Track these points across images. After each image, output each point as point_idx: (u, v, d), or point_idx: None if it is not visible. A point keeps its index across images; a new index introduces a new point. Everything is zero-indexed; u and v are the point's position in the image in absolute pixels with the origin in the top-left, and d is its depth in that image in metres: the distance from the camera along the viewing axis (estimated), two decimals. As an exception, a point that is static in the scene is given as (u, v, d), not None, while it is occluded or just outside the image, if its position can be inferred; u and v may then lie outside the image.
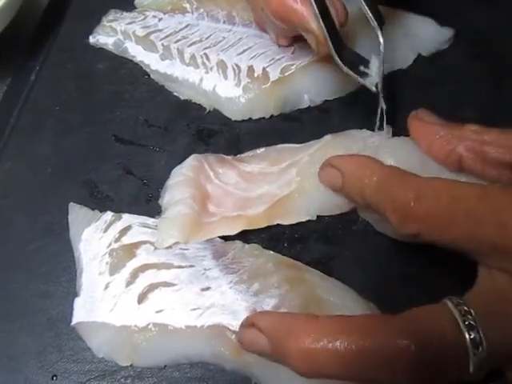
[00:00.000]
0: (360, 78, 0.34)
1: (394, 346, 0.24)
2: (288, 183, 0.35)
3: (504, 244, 0.26)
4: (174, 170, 0.37)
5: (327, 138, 0.36)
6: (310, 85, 0.38)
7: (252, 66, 0.38)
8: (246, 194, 0.36)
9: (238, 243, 0.34)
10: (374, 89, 0.34)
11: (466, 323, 0.25)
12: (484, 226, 0.26)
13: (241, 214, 0.35)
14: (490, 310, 0.26)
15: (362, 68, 0.34)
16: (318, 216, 0.35)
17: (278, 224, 0.35)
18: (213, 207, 0.35)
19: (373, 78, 0.34)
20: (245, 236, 0.35)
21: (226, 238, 0.35)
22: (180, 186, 0.36)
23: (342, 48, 0.34)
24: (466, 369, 0.25)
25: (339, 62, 0.34)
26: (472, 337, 0.25)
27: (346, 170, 0.31)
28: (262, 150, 0.37)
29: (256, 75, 0.38)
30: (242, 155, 0.37)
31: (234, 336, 0.31)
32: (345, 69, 0.34)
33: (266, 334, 0.27)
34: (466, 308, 0.26)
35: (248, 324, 0.28)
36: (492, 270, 0.27)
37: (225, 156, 0.37)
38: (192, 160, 0.37)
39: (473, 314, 0.25)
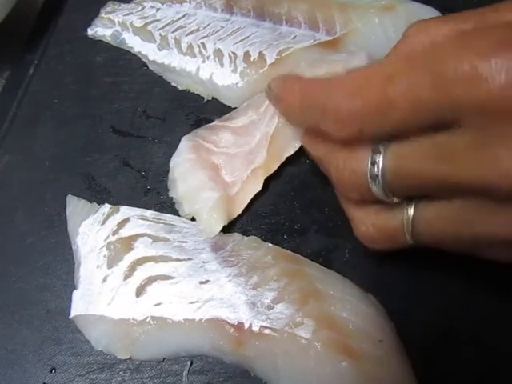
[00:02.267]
0: None
1: None
2: (271, 118, 0.35)
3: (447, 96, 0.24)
4: (172, 159, 0.37)
5: (302, 65, 0.36)
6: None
7: (248, 51, 0.38)
8: (247, 147, 0.36)
9: (237, 235, 0.34)
10: None
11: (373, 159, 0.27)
12: (423, 88, 0.24)
13: (253, 168, 0.35)
14: None
15: None
16: (317, 208, 0.35)
17: (277, 215, 0.35)
18: (228, 176, 0.35)
19: None
20: (244, 228, 0.35)
21: (224, 231, 0.34)
22: (190, 172, 0.36)
23: None
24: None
25: None
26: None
27: (276, 94, 0.32)
28: (244, 104, 0.37)
29: (252, 59, 0.38)
30: (227, 114, 0.38)
31: (232, 329, 0.30)
32: None
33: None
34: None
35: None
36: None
37: (212, 123, 0.38)
38: (186, 142, 0.37)
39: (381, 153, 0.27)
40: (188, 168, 0.36)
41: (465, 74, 0.23)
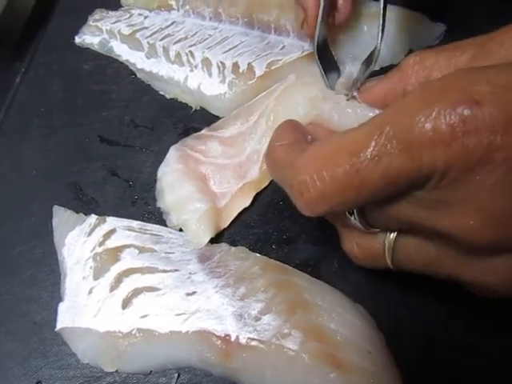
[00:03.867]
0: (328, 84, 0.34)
1: None
2: (263, 135, 0.35)
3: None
4: (160, 169, 0.37)
5: (291, 77, 0.36)
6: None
7: (237, 62, 0.38)
8: (236, 159, 0.36)
9: (225, 246, 0.34)
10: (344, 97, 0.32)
11: None
12: (393, 158, 0.23)
13: (245, 183, 0.35)
14: None
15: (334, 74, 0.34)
16: (306, 217, 0.35)
17: (265, 225, 0.35)
18: (216, 187, 0.35)
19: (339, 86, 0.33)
20: (232, 238, 0.35)
21: (212, 241, 0.34)
22: (178, 182, 0.35)
23: (325, 46, 0.33)
24: None
25: (316, 54, 0.33)
26: None
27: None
28: (232, 113, 0.37)
29: (241, 71, 0.38)
30: (215, 123, 0.37)
31: (219, 341, 0.30)
32: (318, 63, 0.34)
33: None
34: None
35: None
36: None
37: (200, 132, 0.37)
38: (174, 152, 0.37)
39: None
40: (176, 178, 0.36)
41: (429, 138, 0.22)
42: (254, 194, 0.35)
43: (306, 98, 0.34)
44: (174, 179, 0.36)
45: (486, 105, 0.21)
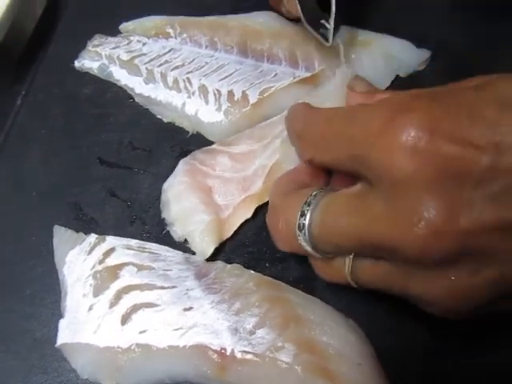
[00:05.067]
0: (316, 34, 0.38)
1: None
2: (273, 152, 0.37)
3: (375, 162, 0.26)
4: (167, 181, 0.38)
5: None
6: (290, 105, 0.38)
7: (232, 90, 0.39)
8: (243, 173, 0.37)
9: (220, 263, 0.35)
10: (327, 44, 0.38)
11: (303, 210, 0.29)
12: (355, 146, 0.27)
13: (247, 196, 0.37)
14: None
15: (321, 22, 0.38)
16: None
17: (259, 244, 0.36)
18: (221, 199, 0.37)
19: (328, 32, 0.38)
20: (227, 256, 0.36)
21: (208, 259, 0.35)
22: (184, 194, 0.37)
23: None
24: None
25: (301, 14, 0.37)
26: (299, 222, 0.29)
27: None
28: (246, 131, 0.39)
29: (236, 99, 0.39)
30: (228, 139, 0.39)
31: (215, 355, 0.31)
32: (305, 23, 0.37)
33: None
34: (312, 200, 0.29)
35: None
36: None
37: (211, 146, 0.39)
38: (182, 166, 0.38)
39: (311, 206, 0.28)
40: (181, 190, 0.37)
41: (373, 135, 0.26)
42: (255, 206, 0.37)
43: None
44: (179, 191, 0.37)
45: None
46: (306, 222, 0.28)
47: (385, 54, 0.42)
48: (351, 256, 0.28)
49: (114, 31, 0.47)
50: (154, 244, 0.36)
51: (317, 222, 0.28)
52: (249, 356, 0.31)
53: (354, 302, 0.34)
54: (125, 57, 0.43)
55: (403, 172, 0.24)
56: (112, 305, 0.34)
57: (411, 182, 0.24)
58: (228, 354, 0.31)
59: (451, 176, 0.23)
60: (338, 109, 0.32)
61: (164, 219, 0.37)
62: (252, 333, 0.32)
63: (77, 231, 0.37)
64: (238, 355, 0.31)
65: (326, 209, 0.28)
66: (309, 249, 0.29)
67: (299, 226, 0.29)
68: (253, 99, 0.39)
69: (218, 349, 0.31)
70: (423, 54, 0.42)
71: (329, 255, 0.30)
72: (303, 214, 0.28)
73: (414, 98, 0.26)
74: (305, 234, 0.28)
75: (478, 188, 0.23)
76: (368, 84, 0.35)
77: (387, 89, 0.42)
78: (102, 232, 0.37)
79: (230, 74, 0.40)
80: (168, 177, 0.38)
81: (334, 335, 0.31)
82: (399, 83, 0.42)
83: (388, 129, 0.25)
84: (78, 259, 0.36)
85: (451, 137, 0.23)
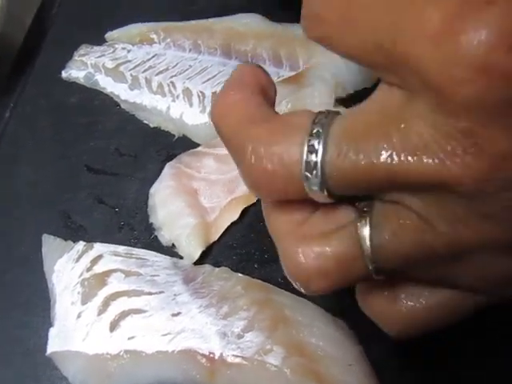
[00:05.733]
0: None
1: None
2: None
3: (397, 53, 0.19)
4: (154, 186, 0.38)
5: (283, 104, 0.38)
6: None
7: (216, 91, 0.39)
8: (228, 175, 0.37)
9: (208, 267, 0.35)
10: None
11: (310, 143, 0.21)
12: (378, 31, 0.19)
13: (233, 198, 0.37)
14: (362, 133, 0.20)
15: None
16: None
17: (247, 245, 0.36)
18: (207, 202, 0.37)
19: None
20: (215, 259, 0.36)
21: (196, 263, 0.35)
22: (170, 198, 0.37)
23: None
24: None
25: None
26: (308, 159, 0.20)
27: None
28: None
29: (220, 100, 0.39)
30: (213, 141, 0.39)
31: (204, 359, 0.31)
32: None
33: None
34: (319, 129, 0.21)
35: None
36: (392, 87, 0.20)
37: (196, 149, 0.39)
38: (168, 169, 0.38)
39: (322, 134, 0.20)
40: (168, 194, 0.37)
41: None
42: (242, 208, 0.37)
43: None
44: (165, 195, 0.37)
45: None
46: (319, 159, 0.20)
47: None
48: (367, 226, 0.21)
49: (100, 41, 0.47)
50: (141, 250, 0.36)
51: (333, 156, 0.20)
52: (237, 360, 0.31)
53: (343, 302, 0.33)
54: (110, 64, 0.43)
55: (464, 90, 0.17)
56: (100, 312, 0.33)
57: (470, 105, 0.17)
58: (217, 358, 0.31)
59: None
60: None
61: (152, 224, 0.37)
62: (240, 336, 0.31)
63: (66, 239, 0.37)
64: (227, 359, 0.31)
65: (344, 135, 0.20)
66: (317, 193, 0.21)
67: (308, 166, 0.20)
68: (237, 100, 0.39)
69: (207, 353, 0.31)
70: None
71: (332, 200, 0.22)
72: (312, 150, 0.20)
73: None
74: (316, 174, 0.20)
75: None
76: None
77: (374, 86, 0.41)
78: (91, 239, 0.37)
79: (214, 76, 0.40)
80: (155, 181, 0.38)
81: (323, 336, 0.31)
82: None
83: (451, 28, 0.17)
84: (66, 267, 0.36)
85: None
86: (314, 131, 0.21)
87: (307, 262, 0.22)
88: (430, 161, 0.18)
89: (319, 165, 0.20)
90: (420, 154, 0.18)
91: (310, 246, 0.22)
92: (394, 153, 0.19)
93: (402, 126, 0.19)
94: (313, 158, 0.20)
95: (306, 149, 0.21)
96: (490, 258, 0.20)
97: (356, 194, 0.22)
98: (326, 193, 0.21)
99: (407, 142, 0.19)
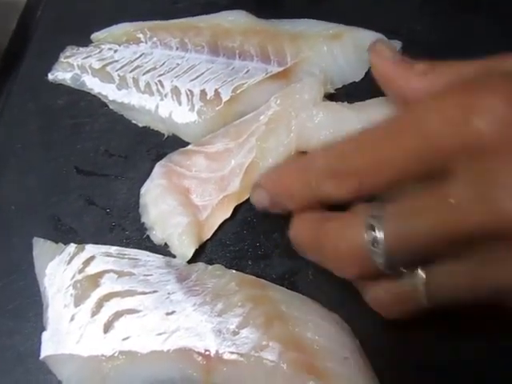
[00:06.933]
0: None
1: None
2: (250, 150, 0.37)
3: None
4: (145, 185, 0.38)
5: (273, 101, 0.38)
6: (263, 100, 0.38)
7: (204, 89, 0.39)
8: (219, 173, 0.37)
9: (201, 265, 0.35)
10: None
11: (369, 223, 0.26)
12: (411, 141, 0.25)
13: (225, 195, 0.36)
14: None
15: None
16: (280, 232, 0.36)
17: (240, 242, 0.36)
18: (198, 200, 0.37)
19: None
20: (209, 257, 0.36)
21: (189, 261, 0.35)
22: (161, 197, 0.37)
23: None
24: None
25: None
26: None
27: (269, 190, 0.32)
28: (221, 130, 0.39)
29: (209, 98, 0.39)
30: (203, 139, 0.39)
31: (200, 357, 0.31)
32: None
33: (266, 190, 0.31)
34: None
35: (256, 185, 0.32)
36: None
37: (186, 147, 0.39)
38: (159, 169, 0.38)
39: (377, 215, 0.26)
40: (158, 193, 0.37)
41: (448, 120, 0.24)
42: (233, 205, 0.37)
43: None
44: (156, 195, 0.37)
45: None
46: (379, 235, 0.25)
47: (356, 46, 0.42)
48: (423, 273, 0.26)
49: (86, 42, 0.46)
50: (133, 249, 0.36)
51: (390, 231, 0.25)
52: (234, 356, 0.30)
53: (339, 296, 0.34)
54: (97, 65, 0.43)
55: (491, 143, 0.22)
56: (93, 313, 0.33)
57: (499, 153, 0.22)
58: (213, 355, 0.31)
59: None
60: (390, 124, 0.27)
61: (144, 224, 0.37)
62: (236, 333, 0.31)
63: (56, 242, 0.37)
64: (223, 356, 0.31)
65: (398, 214, 0.25)
66: (382, 265, 0.26)
67: (372, 241, 0.25)
68: (225, 97, 0.39)
69: (203, 351, 0.31)
70: (394, 46, 0.42)
71: (401, 269, 0.27)
72: (372, 228, 0.25)
73: (483, 78, 0.24)
74: (379, 248, 0.25)
75: None
76: (394, 49, 0.32)
77: (361, 80, 0.42)
78: (82, 241, 0.37)
79: (202, 74, 0.40)
80: (145, 181, 0.38)
81: (319, 331, 0.31)
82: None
83: (467, 111, 0.23)
84: (58, 270, 0.35)
85: None
86: (371, 211, 0.26)
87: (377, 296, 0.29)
88: (478, 217, 0.23)
89: (379, 239, 0.25)
90: (473, 211, 0.23)
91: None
92: (446, 217, 0.24)
93: (447, 198, 0.24)
94: (372, 234, 0.26)
95: (366, 227, 0.26)
96: None
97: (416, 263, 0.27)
98: (387, 265, 0.26)
99: (459, 209, 0.23)
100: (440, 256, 0.25)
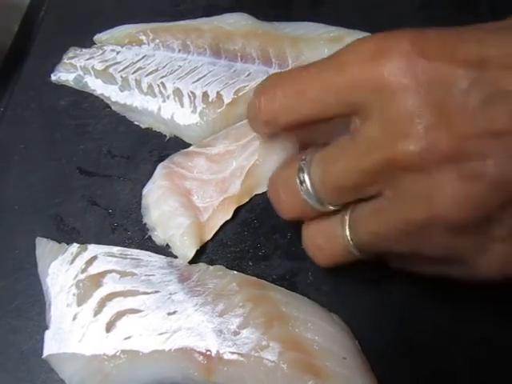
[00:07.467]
0: None
1: None
2: (251, 153, 0.37)
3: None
4: (147, 186, 0.38)
5: None
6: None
7: (206, 91, 0.40)
8: (220, 175, 0.37)
9: (203, 265, 0.35)
10: None
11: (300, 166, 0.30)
12: (349, 84, 0.27)
13: (226, 197, 0.37)
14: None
15: None
16: (280, 233, 0.36)
17: (241, 243, 0.37)
18: (199, 202, 0.37)
19: None
20: (210, 257, 0.36)
21: (191, 261, 0.35)
22: (163, 198, 0.37)
23: None
24: None
25: None
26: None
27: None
28: (222, 132, 0.39)
29: (210, 100, 0.40)
30: (205, 141, 0.39)
31: (201, 357, 0.31)
32: None
33: None
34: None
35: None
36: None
37: (188, 149, 0.39)
38: (160, 170, 0.38)
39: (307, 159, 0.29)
40: (160, 194, 0.37)
41: (360, 58, 0.26)
42: (234, 207, 0.37)
43: None
44: (158, 196, 0.37)
45: None
46: (305, 175, 0.29)
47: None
48: (348, 211, 0.29)
49: (89, 43, 0.47)
50: (135, 250, 0.36)
51: (316, 171, 0.29)
52: (234, 356, 0.31)
53: (338, 297, 0.34)
54: (99, 66, 0.43)
55: (396, 89, 0.25)
56: (96, 313, 0.33)
57: (403, 96, 0.25)
58: (213, 355, 0.31)
59: (439, 86, 0.24)
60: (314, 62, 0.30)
61: (145, 225, 0.37)
62: (236, 333, 0.32)
63: (59, 242, 0.37)
64: (224, 356, 0.31)
65: (321, 158, 0.29)
66: (312, 202, 0.29)
67: (300, 181, 0.29)
68: (227, 99, 0.39)
69: (204, 351, 0.31)
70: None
71: (331, 207, 0.30)
72: (301, 169, 0.29)
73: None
74: (307, 187, 0.29)
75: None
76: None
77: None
78: (84, 241, 0.37)
79: (204, 76, 0.40)
80: (147, 182, 0.38)
81: (319, 331, 0.31)
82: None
83: (380, 52, 0.26)
84: (61, 269, 0.35)
85: (439, 53, 0.25)
86: (303, 158, 0.30)
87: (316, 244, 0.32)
88: (386, 150, 0.26)
89: (307, 179, 0.29)
90: (378, 149, 0.26)
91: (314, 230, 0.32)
92: (360, 154, 0.27)
93: (362, 140, 0.27)
94: (301, 175, 0.29)
95: (297, 170, 0.30)
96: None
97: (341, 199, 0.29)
98: (317, 202, 0.29)
99: (369, 147, 0.27)
100: (360, 194, 0.28)
